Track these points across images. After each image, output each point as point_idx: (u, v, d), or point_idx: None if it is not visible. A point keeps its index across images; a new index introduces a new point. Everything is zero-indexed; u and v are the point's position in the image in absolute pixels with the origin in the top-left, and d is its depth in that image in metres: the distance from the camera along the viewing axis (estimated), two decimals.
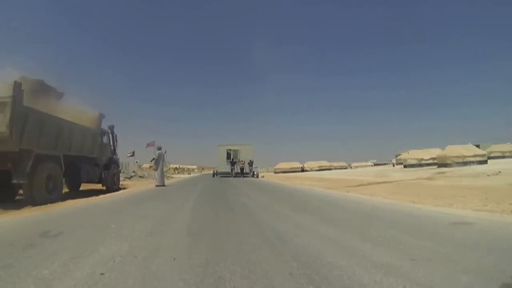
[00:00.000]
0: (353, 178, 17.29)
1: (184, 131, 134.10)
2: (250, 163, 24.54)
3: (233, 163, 24.10)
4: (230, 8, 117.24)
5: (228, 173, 24.14)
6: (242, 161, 24.47)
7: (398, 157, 45.13)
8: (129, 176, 18.16)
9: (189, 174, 43.95)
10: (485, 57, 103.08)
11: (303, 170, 47.59)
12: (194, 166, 74.47)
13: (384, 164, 69.67)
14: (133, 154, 45.32)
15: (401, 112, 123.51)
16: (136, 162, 55.62)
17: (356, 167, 64.03)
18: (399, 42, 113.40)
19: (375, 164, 69.82)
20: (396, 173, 19.75)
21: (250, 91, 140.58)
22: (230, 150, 25.04)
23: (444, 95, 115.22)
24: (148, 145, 41.40)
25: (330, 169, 49.96)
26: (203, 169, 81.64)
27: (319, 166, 49.05)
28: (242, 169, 24.25)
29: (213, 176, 24.72)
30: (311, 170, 47.83)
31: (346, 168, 60.55)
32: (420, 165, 30.15)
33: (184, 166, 63.99)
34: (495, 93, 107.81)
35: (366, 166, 67.48)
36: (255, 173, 24.71)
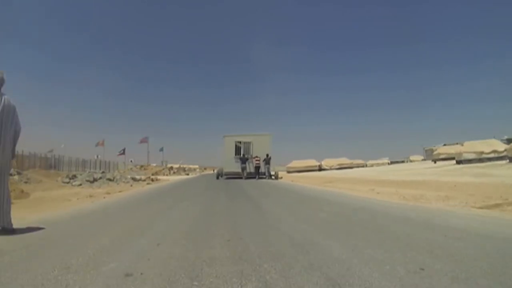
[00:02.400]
0: (435, 180, 11.02)
1: (184, 131, 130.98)
2: (267, 160, 18.33)
3: (244, 160, 17.92)
4: (230, 8, 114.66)
5: (237, 173, 18.00)
6: (257, 157, 18.27)
7: (435, 152, 38.89)
8: (91, 180, 12.08)
9: (187, 174, 37.81)
10: (485, 56, 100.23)
11: (320, 169, 41.42)
12: (196, 166, 70.06)
13: (401, 161, 63.82)
14: (123, 152, 39.31)
15: (401, 112, 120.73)
16: (131, 161, 49.71)
17: (372, 165, 57.68)
18: (399, 42, 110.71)
19: (392, 162, 63.79)
20: (488, 169, 13.41)
21: (251, 91, 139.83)
22: (240, 142, 18.86)
23: (444, 95, 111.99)
24: (141, 141, 35.19)
25: (351, 168, 43.70)
26: (204, 168, 76.22)
27: (339, 164, 42.74)
28: (257, 167, 18.05)
29: (217, 178, 18.54)
30: (330, 168, 41.59)
31: (363, 166, 54.21)
32: (480, 160, 23.70)
33: (185, 166, 59.02)
34: (495, 92, 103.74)
35: (382, 164, 61.09)
36: (274, 173, 18.52)
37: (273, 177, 18.19)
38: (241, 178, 17.57)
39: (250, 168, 18.18)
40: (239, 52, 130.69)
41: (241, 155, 18.25)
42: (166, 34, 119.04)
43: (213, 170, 78.16)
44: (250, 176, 17.96)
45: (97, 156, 34.32)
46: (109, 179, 12.89)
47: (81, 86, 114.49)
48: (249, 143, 18.76)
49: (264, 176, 18.05)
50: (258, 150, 18.54)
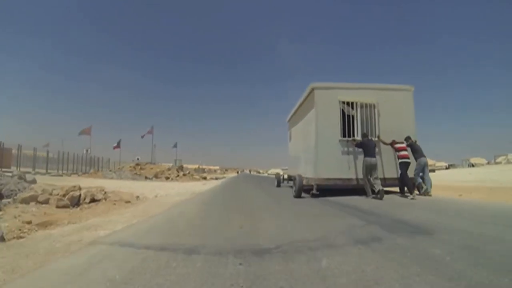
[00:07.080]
0: None
1: (204, 132, 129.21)
2: (416, 147, 7.24)
3: (370, 148, 6.84)
4: (245, 12, 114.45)
5: (346, 181, 7.01)
6: (401, 143, 7.19)
7: None
8: None
9: (204, 178, 26.77)
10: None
11: None
12: (216, 167, 61.31)
13: (451, 165, 52.18)
14: (118, 145, 29.08)
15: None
16: (138, 159, 39.67)
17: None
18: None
19: (450, 165, 51.82)
20: None
21: (280, 90, 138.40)
22: (351, 105, 7.68)
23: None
24: (148, 132, 23.88)
25: (433, 171, 31.56)
26: (226, 170, 67.77)
27: None
28: (405, 166, 6.89)
29: (297, 196, 7.39)
30: None
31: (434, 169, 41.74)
32: None
33: (205, 167, 49.93)
34: None
35: (440, 167, 48.94)
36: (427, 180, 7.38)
37: (425, 187, 7.07)
38: (349, 190, 6.76)
39: (379, 171, 7.05)
40: (265, 54, 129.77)
41: (363, 135, 7.20)
42: (198, 39, 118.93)
43: (237, 172, 69.22)
44: (385, 187, 6.90)
45: (87, 151, 24.63)
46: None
47: (104, 84, 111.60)
48: (372, 105, 7.65)
49: (425, 192, 6.96)
50: (391, 124, 7.52)
